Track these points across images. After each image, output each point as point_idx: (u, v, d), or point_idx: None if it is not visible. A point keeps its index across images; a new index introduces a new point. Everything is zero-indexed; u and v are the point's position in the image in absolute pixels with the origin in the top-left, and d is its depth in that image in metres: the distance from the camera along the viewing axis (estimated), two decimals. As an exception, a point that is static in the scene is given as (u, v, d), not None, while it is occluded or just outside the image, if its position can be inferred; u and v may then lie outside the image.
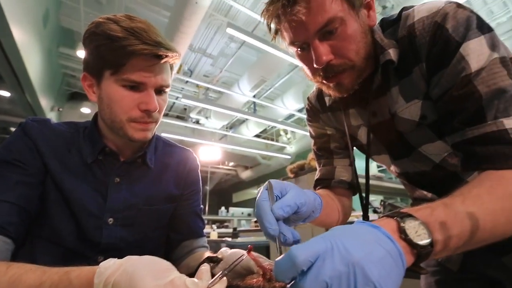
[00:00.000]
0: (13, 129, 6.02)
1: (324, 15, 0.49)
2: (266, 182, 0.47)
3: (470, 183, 0.41)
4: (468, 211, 0.35)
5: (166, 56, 0.58)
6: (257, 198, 0.45)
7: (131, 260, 0.36)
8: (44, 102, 5.06)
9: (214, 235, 3.88)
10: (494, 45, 0.46)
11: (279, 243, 0.41)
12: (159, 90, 0.62)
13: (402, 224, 0.32)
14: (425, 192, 0.71)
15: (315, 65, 0.53)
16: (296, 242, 0.43)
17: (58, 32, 4.76)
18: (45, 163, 0.61)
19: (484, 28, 0.47)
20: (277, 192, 0.45)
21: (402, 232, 0.31)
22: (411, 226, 0.32)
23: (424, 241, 0.31)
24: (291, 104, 6.17)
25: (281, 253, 0.37)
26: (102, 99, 0.61)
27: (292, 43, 0.55)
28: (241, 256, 0.40)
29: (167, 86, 0.63)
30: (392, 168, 0.73)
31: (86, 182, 0.63)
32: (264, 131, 8.57)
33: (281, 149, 8.52)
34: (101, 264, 0.37)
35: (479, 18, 0.48)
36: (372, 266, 0.26)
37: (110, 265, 0.36)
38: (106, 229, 0.62)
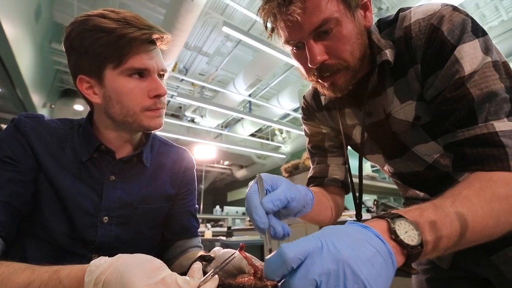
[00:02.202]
0: (3, 125, 5.90)
1: (319, 15, 0.50)
2: (257, 175, 0.46)
3: (460, 184, 0.41)
4: (457, 212, 0.36)
5: (161, 38, 0.59)
6: (247, 191, 0.44)
7: (122, 258, 0.36)
8: (36, 99, 4.96)
9: (208, 234, 3.87)
10: (487, 49, 0.47)
11: (269, 236, 0.40)
12: (160, 75, 0.63)
13: (392, 225, 0.32)
14: (417, 192, 0.72)
15: (309, 65, 0.54)
16: (286, 235, 0.42)
17: (51, 28, 4.67)
18: (38, 161, 0.59)
19: (478, 32, 0.48)
20: (267, 186, 0.45)
21: (392, 233, 0.32)
22: (401, 227, 0.32)
23: (414, 241, 0.32)
24: (287, 103, 6.18)
25: (269, 247, 0.38)
26: (109, 97, 0.59)
27: (287, 41, 0.55)
28: (232, 254, 0.40)
29: (166, 71, 0.64)
30: (386, 167, 0.73)
31: (81, 180, 0.62)
32: (259, 130, 8.57)
33: (276, 149, 8.54)
34: (91, 262, 0.37)
35: (474, 22, 0.49)
36: (361, 264, 0.26)
37: (101, 263, 0.36)
38: (100, 228, 0.62)
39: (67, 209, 0.60)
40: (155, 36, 0.57)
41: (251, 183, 0.46)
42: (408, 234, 0.32)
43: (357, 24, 0.54)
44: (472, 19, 0.49)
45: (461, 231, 0.35)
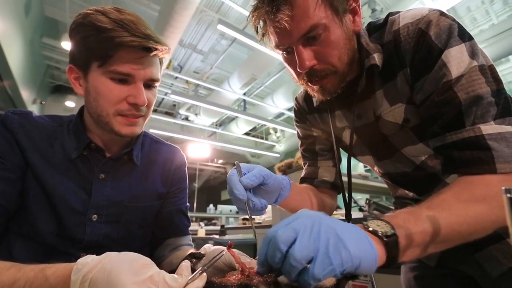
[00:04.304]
0: (-9, 121, 5.74)
1: (307, 22, 0.50)
2: (235, 162, 0.52)
3: (442, 189, 0.44)
4: (429, 214, 0.39)
5: (156, 49, 0.57)
6: (228, 176, 0.50)
7: (110, 257, 0.35)
8: (26, 95, 4.85)
9: (201, 233, 3.85)
10: (473, 53, 0.48)
11: (249, 208, 0.48)
12: (148, 84, 0.62)
13: (365, 223, 0.37)
14: (406, 191, 0.74)
15: (298, 70, 0.55)
16: (264, 207, 0.49)
17: (42, 22, 4.56)
18: (25, 158, 0.59)
19: (465, 36, 0.49)
20: (244, 171, 0.51)
21: (366, 227, 0.36)
22: (373, 223, 0.37)
23: (386, 231, 0.35)
24: (281, 102, 6.19)
25: (249, 216, 0.47)
26: (89, 92, 0.59)
27: (277, 46, 0.57)
28: (221, 252, 0.40)
29: (157, 80, 0.62)
30: (376, 168, 0.75)
31: (70, 178, 0.61)
32: (254, 129, 8.56)
33: (270, 148, 8.55)
34: (78, 260, 0.36)
35: (460, 27, 0.50)
36: (335, 223, 0.33)
37: (88, 261, 0.35)
38: (89, 226, 0.61)
39: (55, 207, 0.59)
40: (149, 45, 0.56)
41: (231, 170, 0.52)
42: (380, 227, 0.36)
43: (345, 29, 0.54)
44: (458, 24, 0.50)
45: (434, 229, 0.38)
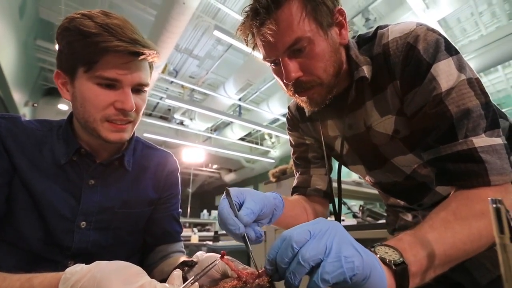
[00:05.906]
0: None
1: (291, 35, 0.52)
2: (225, 190, 0.47)
3: (438, 207, 0.44)
4: (433, 235, 0.38)
5: (143, 54, 0.56)
6: (218, 208, 0.45)
7: (100, 266, 0.35)
8: (18, 97, 4.77)
9: (195, 239, 3.80)
10: (461, 66, 0.49)
11: (248, 241, 0.44)
12: (137, 89, 0.61)
13: (372, 249, 0.35)
14: (398, 200, 0.74)
15: (284, 81, 0.56)
16: (260, 237, 0.45)
17: (36, 24, 4.53)
18: (13, 163, 0.57)
19: (451, 50, 0.51)
20: (234, 198, 0.46)
21: (373, 253, 0.34)
22: (381, 250, 0.35)
23: (395, 258, 0.34)
24: (276, 108, 6.22)
25: (249, 250, 0.43)
26: (75, 98, 0.58)
27: (264, 58, 0.58)
28: (214, 261, 0.40)
29: (146, 85, 0.62)
30: (367, 178, 0.76)
31: (58, 183, 0.60)
32: (249, 134, 8.57)
33: (265, 153, 8.55)
34: (67, 270, 0.35)
35: (446, 41, 0.51)
36: (347, 234, 0.33)
37: (77, 270, 0.35)
38: (77, 233, 0.60)
39: (43, 214, 0.58)
40: (136, 50, 0.54)
41: (221, 199, 0.46)
42: (388, 254, 0.35)
43: (331, 42, 0.56)
44: (444, 38, 0.52)
45: (440, 251, 0.37)
